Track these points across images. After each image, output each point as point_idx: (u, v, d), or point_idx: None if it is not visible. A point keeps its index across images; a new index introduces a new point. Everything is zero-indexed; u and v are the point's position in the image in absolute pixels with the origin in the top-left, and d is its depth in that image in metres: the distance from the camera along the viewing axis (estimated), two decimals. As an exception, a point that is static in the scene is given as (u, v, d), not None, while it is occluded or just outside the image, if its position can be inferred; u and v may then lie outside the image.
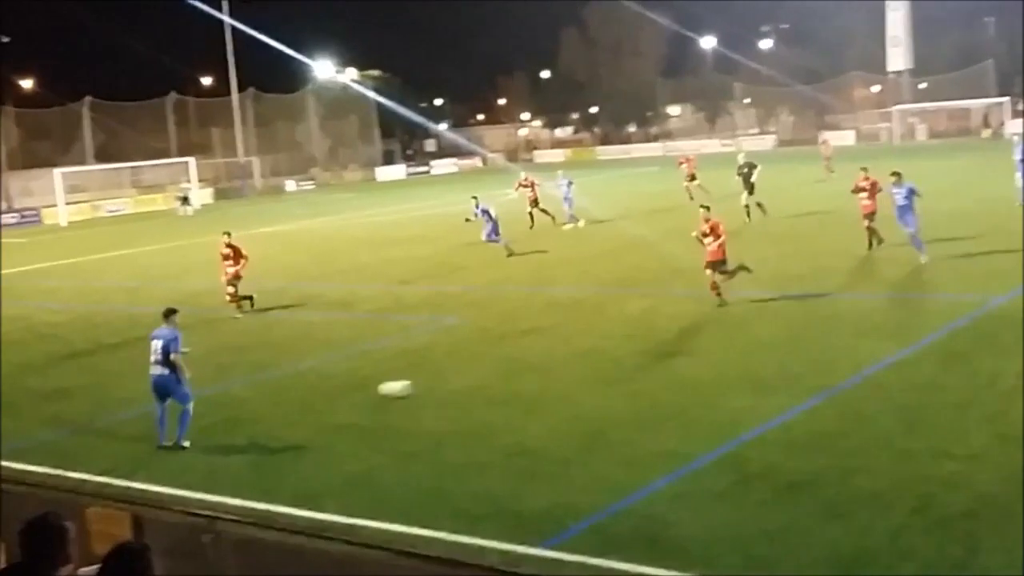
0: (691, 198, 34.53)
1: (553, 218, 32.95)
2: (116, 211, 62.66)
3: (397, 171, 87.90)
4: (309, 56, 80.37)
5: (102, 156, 72.49)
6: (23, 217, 61.48)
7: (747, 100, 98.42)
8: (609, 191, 41.55)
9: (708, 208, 19.52)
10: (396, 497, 10.50)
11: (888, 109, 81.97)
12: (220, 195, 72.46)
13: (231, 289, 22.17)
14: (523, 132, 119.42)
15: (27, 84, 79.97)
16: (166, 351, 12.95)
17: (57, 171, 60.96)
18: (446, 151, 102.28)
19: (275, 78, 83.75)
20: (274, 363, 17.37)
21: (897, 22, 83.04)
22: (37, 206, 63.27)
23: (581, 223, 32.81)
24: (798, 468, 10.34)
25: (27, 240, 48.00)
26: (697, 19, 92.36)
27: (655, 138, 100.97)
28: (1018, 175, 29.09)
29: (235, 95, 77.94)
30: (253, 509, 10.33)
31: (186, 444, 12.89)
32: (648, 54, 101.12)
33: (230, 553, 6.14)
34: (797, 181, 43.71)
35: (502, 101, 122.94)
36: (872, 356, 14.37)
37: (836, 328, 16.56)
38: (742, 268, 19.24)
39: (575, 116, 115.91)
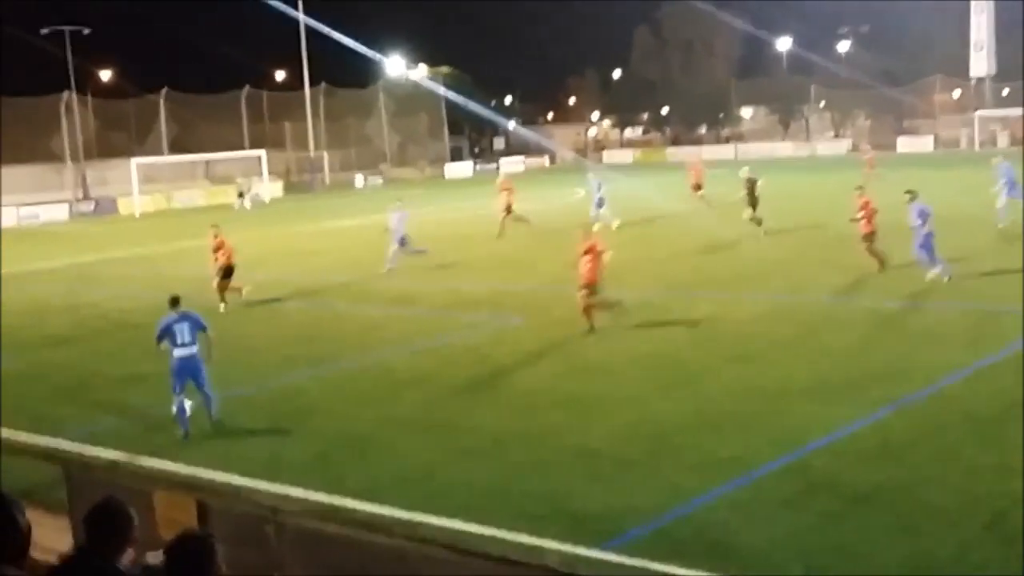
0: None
1: (528, 222, 32.71)
2: (188, 202, 63.70)
3: (465, 168, 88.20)
4: (381, 52, 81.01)
5: (176, 147, 73.76)
6: (99, 206, 62.77)
7: (822, 103, 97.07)
8: (679, 192, 41.19)
9: (590, 228, 19.55)
10: (456, 494, 10.50)
11: (969, 115, 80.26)
12: (290, 189, 73.31)
13: (220, 281, 22.90)
14: (592, 132, 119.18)
15: (106, 75, 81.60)
16: (195, 329, 13.42)
17: (133, 161, 62.11)
18: (514, 149, 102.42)
19: (347, 73, 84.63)
20: (339, 356, 17.52)
21: (981, 25, 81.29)
22: (113, 195, 64.57)
23: (615, 223, 32.26)
24: (865, 479, 10.14)
25: (102, 229, 49.03)
26: (773, 20, 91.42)
27: (727, 140, 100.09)
28: (1001, 196, 28.11)
29: (307, 90, 78.85)
30: (315, 501, 10.40)
31: (218, 418, 13.51)
32: (722, 55, 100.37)
33: (292, 544, 6.18)
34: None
35: (572, 100, 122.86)
36: (946, 366, 14.05)
37: (907, 337, 16.23)
38: (616, 304, 18.15)
39: (645, 116, 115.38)
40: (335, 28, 54.90)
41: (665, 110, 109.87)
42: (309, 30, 72.93)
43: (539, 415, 13.18)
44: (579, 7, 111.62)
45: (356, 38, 58.36)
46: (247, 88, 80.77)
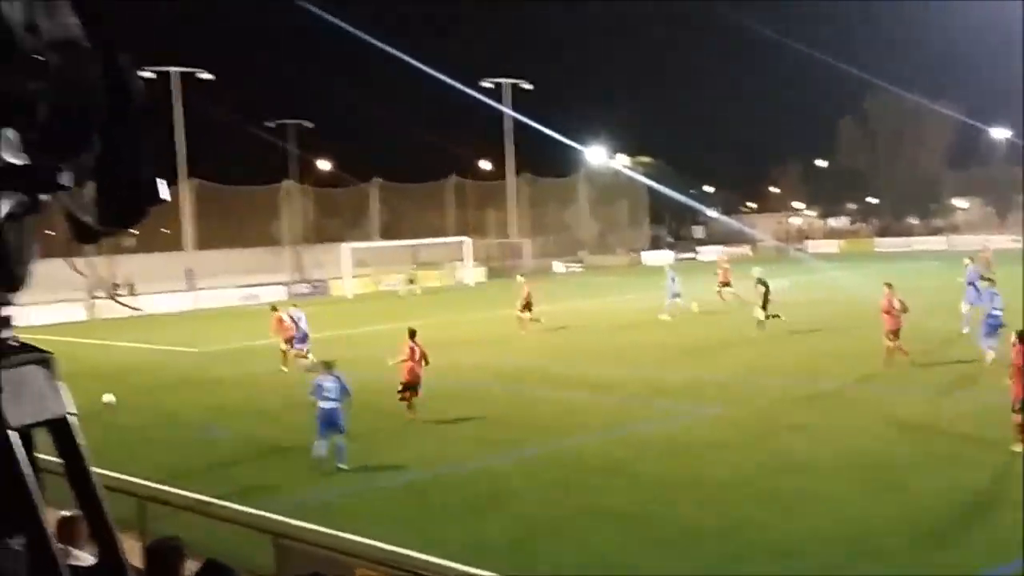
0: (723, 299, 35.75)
1: (538, 320, 34.53)
2: (394, 286, 66.11)
3: (664, 256, 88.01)
4: (582, 143, 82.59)
5: (386, 233, 76.91)
6: (314, 288, 65.90)
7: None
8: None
9: (413, 332, 20.42)
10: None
11: None
12: (492, 273, 74.94)
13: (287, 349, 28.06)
14: (795, 221, 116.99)
15: (324, 166, 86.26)
16: (341, 389, 16.28)
17: (345, 246, 65.22)
18: (715, 238, 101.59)
19: (549, 163, 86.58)
20: (534, 440, 17.67)
21: None
22: (326, 278, 67.71)
23: (694, 306, 34.76)
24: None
25: (315, 309, 51.30)
26: (987, 109, 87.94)
27: (938, 231, 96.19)
28: (964, 302, 26.53)
29: (511, 178, 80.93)
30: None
31: (344, 467, 15.87)
32: (932, 144, 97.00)
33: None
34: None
35: (774, 189, 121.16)
36: None
37: None
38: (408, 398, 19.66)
39: (851, 207, 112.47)
40: (539, 120, 56.48)
41: (873, 200, 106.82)
42: (514, 122, 75.25)
43: (736, 509, 12.90)
44: (782, 98, 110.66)
45: (559, 130, 59.84)
46: (453, 177, 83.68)
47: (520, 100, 74.76)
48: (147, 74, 62.77)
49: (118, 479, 14.27)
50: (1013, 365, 15.17)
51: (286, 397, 23.72)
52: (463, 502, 13.84)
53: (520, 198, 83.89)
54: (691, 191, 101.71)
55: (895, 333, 22.57)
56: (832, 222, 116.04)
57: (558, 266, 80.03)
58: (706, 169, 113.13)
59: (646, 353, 27.65)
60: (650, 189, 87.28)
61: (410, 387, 19.79)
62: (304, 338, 28.93)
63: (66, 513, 6.80)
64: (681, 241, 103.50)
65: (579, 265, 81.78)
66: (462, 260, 69.53)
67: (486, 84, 75.02)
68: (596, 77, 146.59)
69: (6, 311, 1.59)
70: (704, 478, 14.50)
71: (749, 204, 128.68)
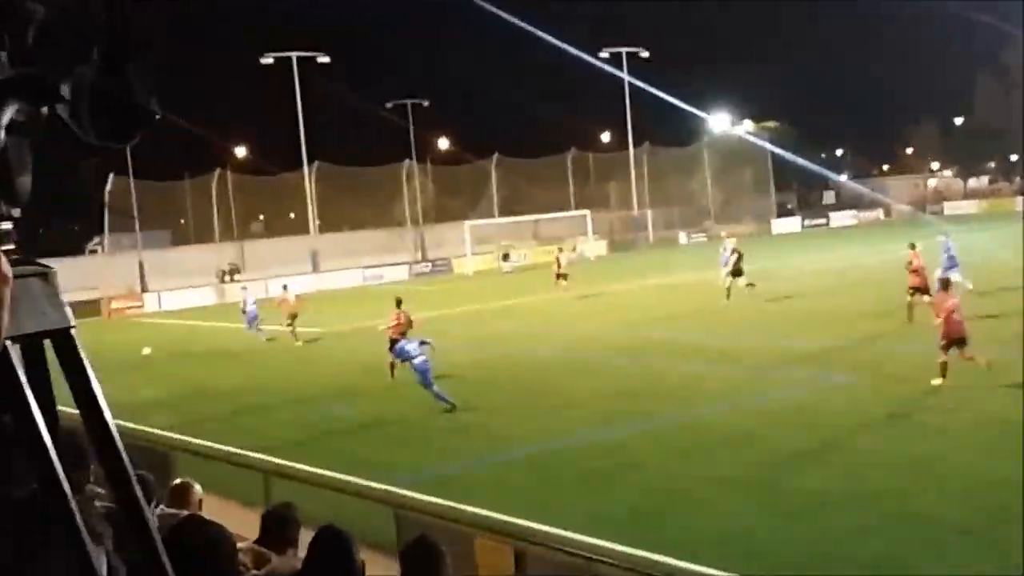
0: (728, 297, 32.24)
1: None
2: (517, 262, 66.28)
3: (792, 224, 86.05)
4: (704, 110, 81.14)
5: (506, 210, 77.14)
6: (435, 267, 66.63)
7: None
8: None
9: (399, 301, 23.06)
10: (774, 555, 10.08)
11: None
12: (614, 247, 74.50)
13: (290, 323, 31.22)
14: (932, 183, 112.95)
15: (443, 143, 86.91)
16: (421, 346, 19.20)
17: (466, 223, 65.65)
18: (845, 203, 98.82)
19: (670, 132, 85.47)
20: (659, 411, 17.40)
21: None
22: (448, 256, 68.35)
23: (742, 283, 32.27)
24: None
25: (437, 288, 51.84)
26: None
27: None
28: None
29: (631, 150, 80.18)
30: (631, 555, 10.30)
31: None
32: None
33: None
34: None
35: (908, 150, 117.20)
36: None
37: None
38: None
39: (991, 165, 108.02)
40: (659, 88, 55.61)
41: (1014, 157, 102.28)
42: (634, 91, 74.37)
43: (867, 478, 12.42)
44: (914, 54, 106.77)
45: (680, 97, 58.86)
46: (573, 151, 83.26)
47: (639, 68, 73.84)
48: (267, 60, 64.15)
49: (244, 455, 14.59)
50: (937, 307, 17.63)
51: (410, 374, 23.94)
52: (585, 474, 13.68)
53: (641, 169, 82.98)
54: (821, 155, 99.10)
55: (915, 291, 24.19)
56: (972, 182, 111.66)
57: (682, 237, 79.03)
58: (835, 132, 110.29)
59: (772, 322, 27.05)
60: (776, 155, 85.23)
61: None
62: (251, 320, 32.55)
63: (178, 481, 6.92)
64: (812, 207, 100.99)
65: (704, 235, 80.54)
66: (585, 234, 69.22)
67: (604, 54, 74.28)
68: (716, 42, 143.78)
69: (6, 225, 1.62)
70: (833, 447, 14.04)
71: (883, 167, 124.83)
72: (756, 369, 20.61)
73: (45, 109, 1.57)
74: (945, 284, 18.21)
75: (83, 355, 1.67)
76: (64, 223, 72.96)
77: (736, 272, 32.30)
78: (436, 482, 13.84)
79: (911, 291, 24.39)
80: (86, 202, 65.81)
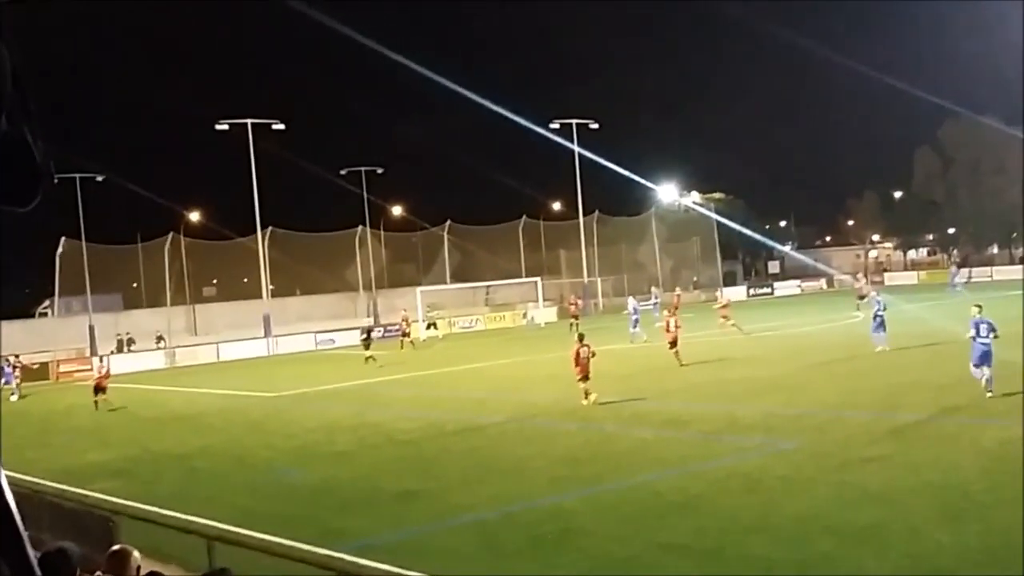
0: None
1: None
2: (468, 327, 66.38)
3: (738, 292, 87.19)
4: (653, 181, 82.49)
5: (458, 276, 77.42)
6: (387, 331, 66.45)
7: None
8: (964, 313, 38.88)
9: None
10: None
11: None
12: (563, 313, 74.86)
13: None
14: (873, 254, 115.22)
15: (396, 210, 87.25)
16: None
17: (419, 289, 65.81)
18: (790, 273, 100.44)
19: (620, 202, 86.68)
20: (607, 477, 17.52)
21: None
22: (400, 321, 68.25)
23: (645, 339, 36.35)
24: None
25: (389, 352, 51.76)
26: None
27: (1022, 260, 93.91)
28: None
29: (582, 218, 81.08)
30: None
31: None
32: (1013, 172, 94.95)
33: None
34: None
35: (850, 223, 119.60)
36: None
37: None
38: None
39: (930, 237, 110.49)
40: (609, 159, 56.60)
41: (952, 230, 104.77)
42: (584, 161, 75.42)
43: (811, 544, 12.62)
44: (855, 131, 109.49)
45: (629, 168, 59.94)
46: (524, 218, 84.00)
47: (590, 139, 75.01)
48: (222, 126, 64.22)
49: (187, 520, 14.49)
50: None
51: (361, 439, 23.90)
52: (535, 539, 13.74)
53: (591, 237, 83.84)
54: (766, 226, 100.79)
55: None
56: (911, 254, 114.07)
57: (631, 304, 79.53)
58: (780, 203, 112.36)
59: (719, 389, 27.37)
60: (722, 225, 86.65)
61: None
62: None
63: (116, 548, 6.95)
64: (758, 276, 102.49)
65: (651, 303, 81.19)
66: (535, 301, 69.66)
67: (555, 125, 75.37)
68: (666, 114, 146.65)
69: None
70: (778, 513, 14.22)
71: (826, 238, 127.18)
72: (705, 435, 20.86)
73: None
74: None
75: None
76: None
77: (672, 342, 33.63)
78: (385, 548, 13.84)
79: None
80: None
